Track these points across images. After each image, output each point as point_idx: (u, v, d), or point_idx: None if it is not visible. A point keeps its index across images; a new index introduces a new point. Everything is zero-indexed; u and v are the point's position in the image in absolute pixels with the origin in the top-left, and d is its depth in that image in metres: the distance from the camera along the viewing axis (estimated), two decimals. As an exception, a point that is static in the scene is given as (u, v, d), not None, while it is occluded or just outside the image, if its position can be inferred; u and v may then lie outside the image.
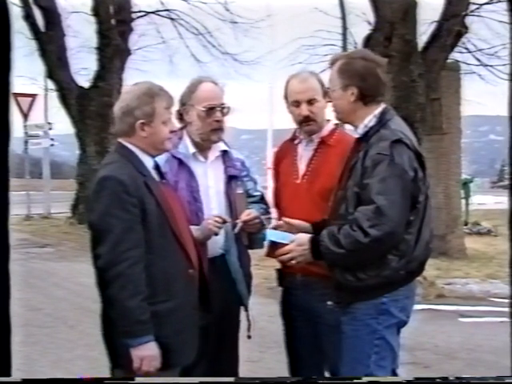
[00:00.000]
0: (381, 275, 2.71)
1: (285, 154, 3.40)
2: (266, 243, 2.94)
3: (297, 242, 2.87)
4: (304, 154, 3.28)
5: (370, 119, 2.83)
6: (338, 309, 2.89)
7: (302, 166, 3.26)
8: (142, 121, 2.70)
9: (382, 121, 2.81)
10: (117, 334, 2.59)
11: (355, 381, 2.67)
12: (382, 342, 2.77)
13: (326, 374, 3.24)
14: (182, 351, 2.70)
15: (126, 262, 2.53)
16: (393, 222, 2.61)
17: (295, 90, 3.23)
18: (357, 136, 2.89)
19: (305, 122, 3.21)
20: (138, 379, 2.58)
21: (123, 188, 2.58)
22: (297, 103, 3.22)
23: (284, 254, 2.89)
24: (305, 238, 2.85)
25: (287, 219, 3.03)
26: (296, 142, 3.34)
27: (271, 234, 3.00)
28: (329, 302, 2.94)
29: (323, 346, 3.18)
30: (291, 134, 3.39)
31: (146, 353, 2.55)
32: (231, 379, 2.81)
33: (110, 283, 2.54)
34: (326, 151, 3.21)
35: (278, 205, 3.38)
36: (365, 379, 2.67)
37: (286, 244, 2.89)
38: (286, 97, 3.30)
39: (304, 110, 3.19)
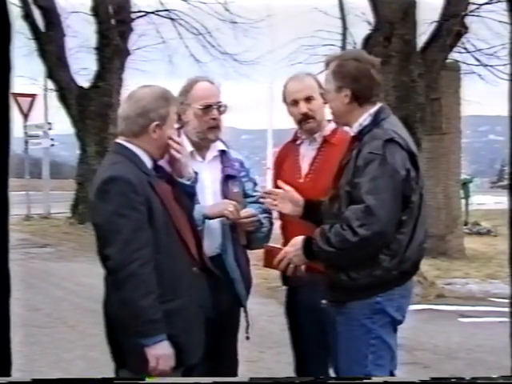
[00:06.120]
0: (372, 275, 2.71)
1: (286, 154, 3.41)
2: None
3: (290, 243, 2.89)
4: (307, 153, 3.31)
5: (364, 118, 2.83)
6: (332, 308, 2.89)
7: (304, 166, 3.29)
8: (156, 123, 2.71)
9: (376, 120, 2.81)
10: (130, 335, 2.57)
11: (368, 381, 2.67)
12: (378, 342, 2.77)
13: (331, 372, 3.23)
14: (190, 349, 2.71)
15: (137, 262, 2.53)
16: (382, 222, 2.61)
17: (292, 90, 3.29)
18: (352, 134, 2.90)
19: (304, 120, 3.25)
20: (148, 379, 2.58)
21: (131, 187, 2.59)
22: (295, 102, 3.26)
23: (280, 261, 2.91)
24: (298, 238, 2.87)
25: (282, 184, 3.11)
26: (298, 142, 3.37)
27: None
28: (323, 301, 2.94)
29: (330, 344, 3.17)
30: (292, 135, 3.42)
31: (161, 352, 2.56)
32: (245, 379, 2.80)
33: (121, 284, 2.54)
34: (329, 150, 3.23)
35: None
36: (380, 379, 2.67)
37: (281, 249, 2.92)
38: (284, 99, 3.35)
39: (302, 107, 3.24)
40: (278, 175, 3.42)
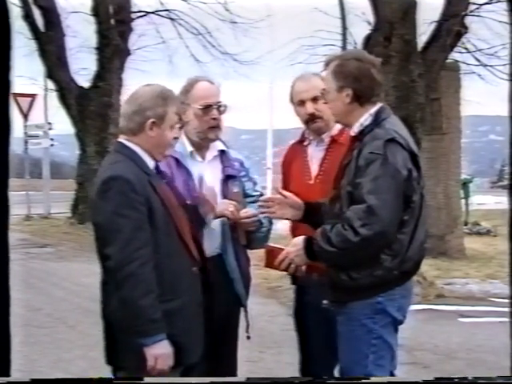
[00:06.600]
0: (374, 275, 2.71)
1: (294, 156, 3.40)
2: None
3: (291, 243, 2.90)
4: (315, 154, 3.30)
5: (365, 118, 2.83)
6: (333, 308, 2.89)
7: (314, 167, 3.28)
8: (152, 120, 2.71)
9: (377, 120, 2.81)
10: (129, 334, 2.58)
11: (368, 381, 2.67)
12: (379, 342, 2.77)
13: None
14: (190, 349, 2.72)
15: (137, 261, 2.53)
16: (384, 222, 2.62)
17: (299, 90, 3.29)
18: (352, 134, 2.90)
19: (311, 120, 3.25)
20: (147, 379, 2.59)
21: (131, 187, 2.59)
22: (302, 102, 3.26)
23: (282, 261, 2.91)
24: (299, 238, 2.87)
25: (281, 190, 3.11)
26: (305, 143, 3.36)
27: None
28: (324, 301, 2.94)
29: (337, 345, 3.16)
30: (299, 135, 3.40)
31: (160, 351, 2.57)
32: (242, 379, 2.80)
33: (121, 283, 2.55)
34: (337, 150, 3.20)
35: None
36: (380, 379, 2.68)
37: (282, 249, 2.92)
38: (291, 100, 3.34)
39: (309, 107, 3.24)
40: (286, 178, 3.42)
